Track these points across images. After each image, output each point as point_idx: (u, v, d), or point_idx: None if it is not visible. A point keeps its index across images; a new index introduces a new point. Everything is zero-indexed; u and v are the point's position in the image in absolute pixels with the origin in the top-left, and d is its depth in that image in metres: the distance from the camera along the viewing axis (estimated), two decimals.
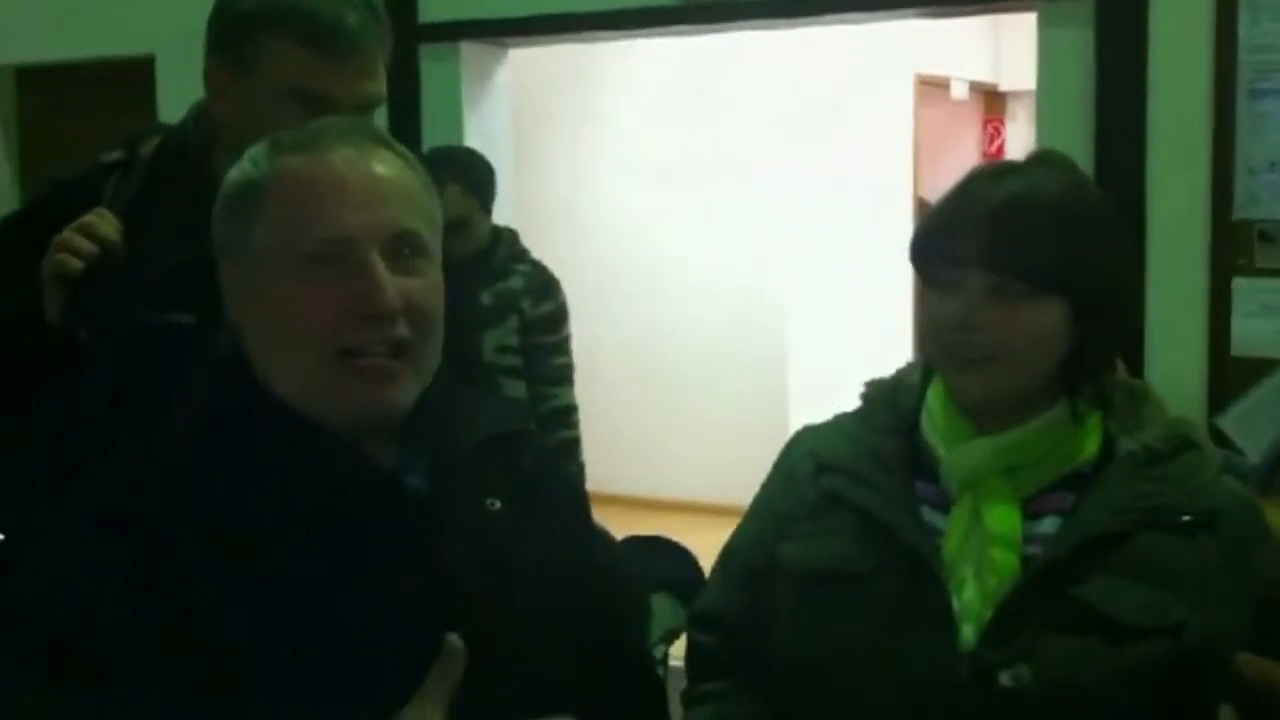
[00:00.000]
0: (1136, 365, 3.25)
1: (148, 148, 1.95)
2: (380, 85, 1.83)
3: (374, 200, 1.25)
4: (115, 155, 1.97)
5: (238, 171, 1.29)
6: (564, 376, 3.78)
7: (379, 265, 1.23)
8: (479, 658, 1.22)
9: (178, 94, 2.01)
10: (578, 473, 3.77)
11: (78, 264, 1.75)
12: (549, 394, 3.73)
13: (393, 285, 1.23)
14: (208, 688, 1.14)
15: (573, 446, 3.77)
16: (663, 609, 3.22)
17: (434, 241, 1.30)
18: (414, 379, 1.26)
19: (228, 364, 1.29)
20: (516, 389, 3.67)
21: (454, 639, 1.15)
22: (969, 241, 1.40)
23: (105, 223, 1.79)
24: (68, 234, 1.77)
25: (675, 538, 3.17)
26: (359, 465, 1.25)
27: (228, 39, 1.81)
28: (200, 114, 1.92)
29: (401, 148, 1.32)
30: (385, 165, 1.27)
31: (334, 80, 1.76)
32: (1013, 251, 1.39)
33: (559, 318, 3.78)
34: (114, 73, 4.81)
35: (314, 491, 1.21)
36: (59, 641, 1.14)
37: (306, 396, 1.24)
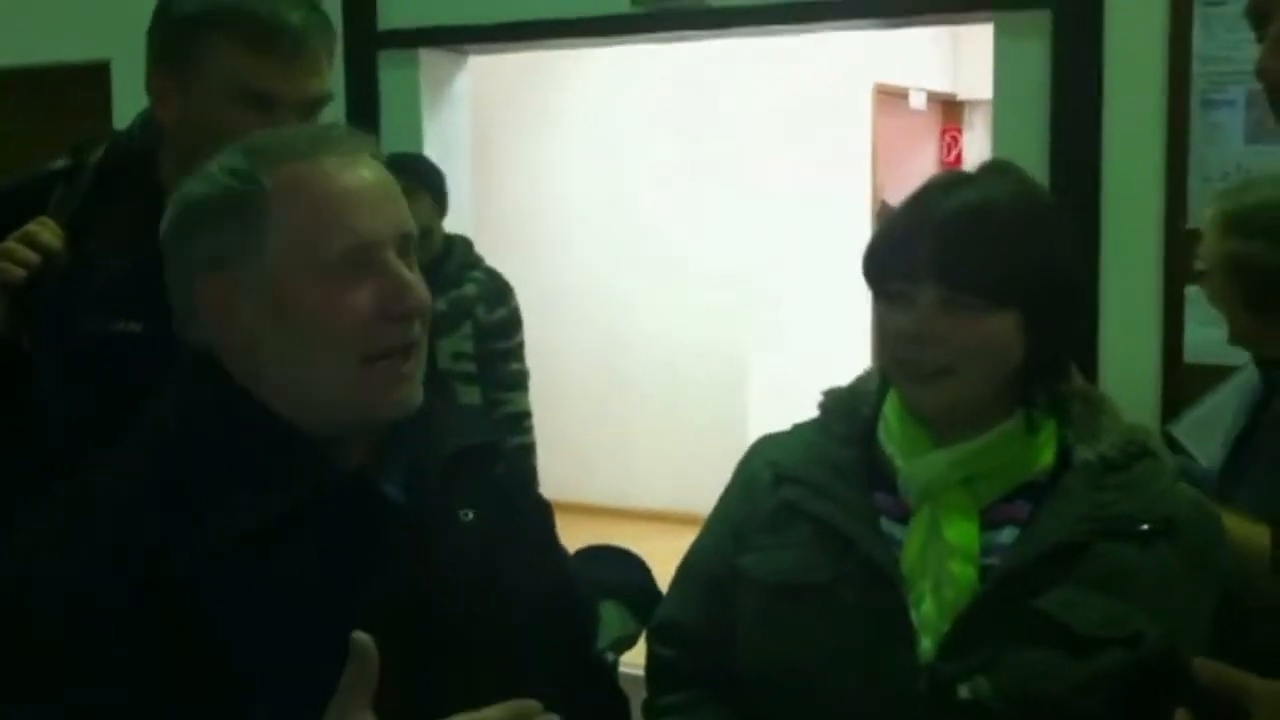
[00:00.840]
0: (1090, 372, 3.28)
1: (95, 156, 1.94)
2: (326, 83, 1.82)
3: (381, 203, 1.28)
4: (61, 163, 1.95)
5: (209, 184, 1.27)
6: (518, 382, 3.78)
7: (402, 265, 1.26)
8: (454, 666, 1.24)
9: (133, 99, 2.01)
10: (532, 478, 3.77)
11: (20, 273, 1.75)
12: (503, 399, 3.73)
13: (417, 282, 1.27)
14: (192, 689, 1.14)
15: (527, 452, 3.77)
16: (611, 617, 3.21)
17: None
18: (421, 377, 1.30)
19: (204, 371, 1.28)
20: (471, 395, 3.67)
21: (362, 637, 1.13)
22: (921, 254, 1.39)
23: (47, 230, 1.78)
24: (9, 243, 1.76)
25: (635, 546, 3.17)
26: (339, 471, 1.26)
27: (170, 44, 1.80)
28: (146, 121, 1.91)
29: (372, 144, 1.34)
30: (375, 169, 1.30)
31: (279, 80, 1.76)
32: (965, 264, 1.38)
33: (513, 324, 3.79)
34: (70, 78, 4.76)
35: (295, 496, 1.22)
36: (46, 641, 1.15)
37: (321, 401, 1.25)
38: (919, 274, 1.39)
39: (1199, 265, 2.26)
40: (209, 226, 1.26)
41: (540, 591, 1.37)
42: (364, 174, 1.27)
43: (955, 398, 1.42)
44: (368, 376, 1.25)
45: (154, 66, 1.83)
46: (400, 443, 1.31)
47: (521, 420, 3.78)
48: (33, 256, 1.76)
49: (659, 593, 2.30)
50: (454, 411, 1.41)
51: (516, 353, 3.79)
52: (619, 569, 3.28)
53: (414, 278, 1.28)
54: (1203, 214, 2.31)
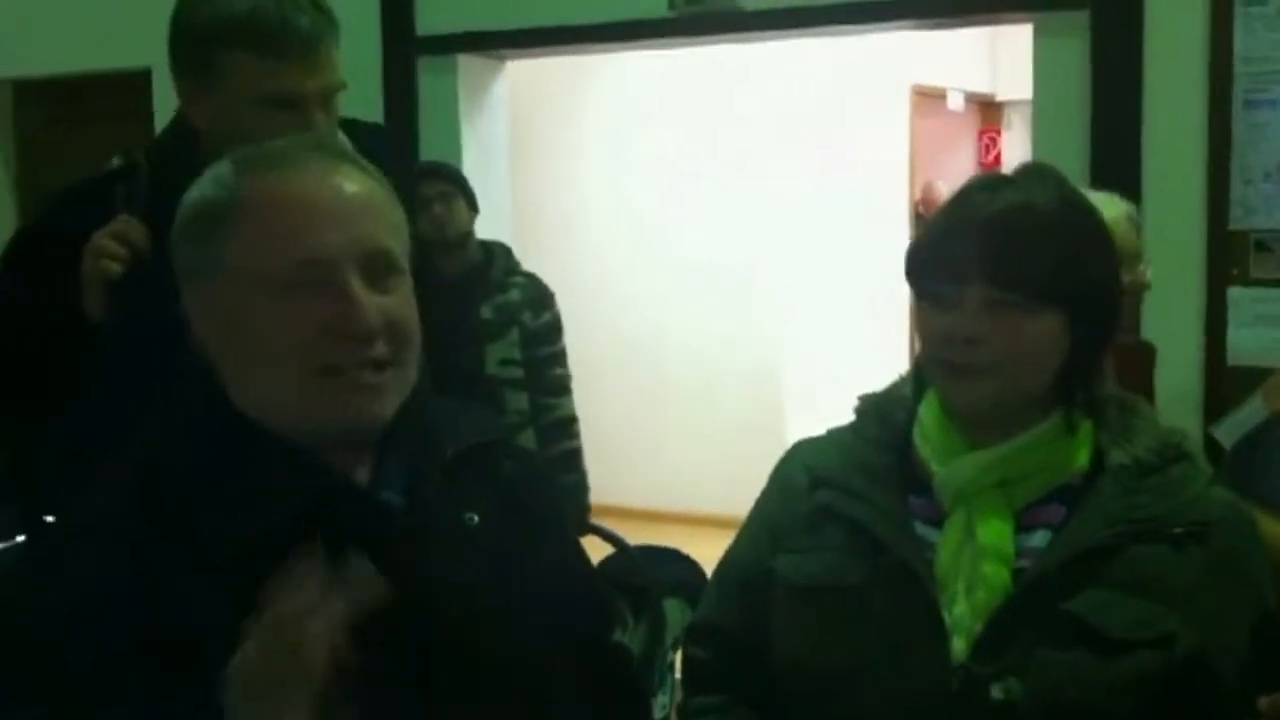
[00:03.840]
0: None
1: (141, 155, 2.06)
2: (337, 73, 1.94)
3: (348, 219, 1.24)
4: (116, 163, 2.08)
5: (197, 191, 1.27)
6: (564, 387, 3.80)
7: (357, 285, 1.22)
8: (458, 672, 1.23)
9: (174, 106, 2.07)
10: (580, 482, 3.78)
11: (117, 268, 1.90)
12: (551, 405, 3.75)
13: (372, 304, 1.22)
14: (191, 705, 1.13)
15: (575, 457, 3.79)
16: (675, 613, 3.24)
17: (404, 256, 1.29)
18: (395, 392, 1.26)
19: (198, 384, 1.28)
20: (519, 401, 3.69)
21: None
22: (968, 255, 1.39)
23: (134, 228, 1.92)
24: (104, 240, 1.91)
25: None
26: (333, 481, 1.24)
27: (190, 58, 1.93)
28: (178, 121, 2.03)
29: (365, 162, 1.31)
30: (354, 182, 1.26)
31: (293, 80, 1.87)
32: (1012, 264, 1.38)
33: (556, 328, 3.81)
34: (112, 86, 4.81)
35: (289, 509, 1.20)
36: (43, 661, 1.14)
37: (286, 414, 1.23)
38: (965, 274, 1.39)
39: None
40: (191, 234, 1.26)
41: (553, 589, 1.35)
42: (336, 187, 1.24)
43: (1000, 398, 1.42)
44: (323, 390, 1.22)
45: (178, 78, 1.95)
46: (396, 449, 1.29)
47: (569, 425, 3.80)
48: (124, 252, 1.91)
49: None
50: (457, 413, 1.39)
51: (560, 358, 3.81)
52: (678, 568, 3.32)
53: (367, 298, 1.22)
54: None
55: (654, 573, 3.27)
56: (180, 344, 1.42)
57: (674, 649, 3.12)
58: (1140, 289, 2.34)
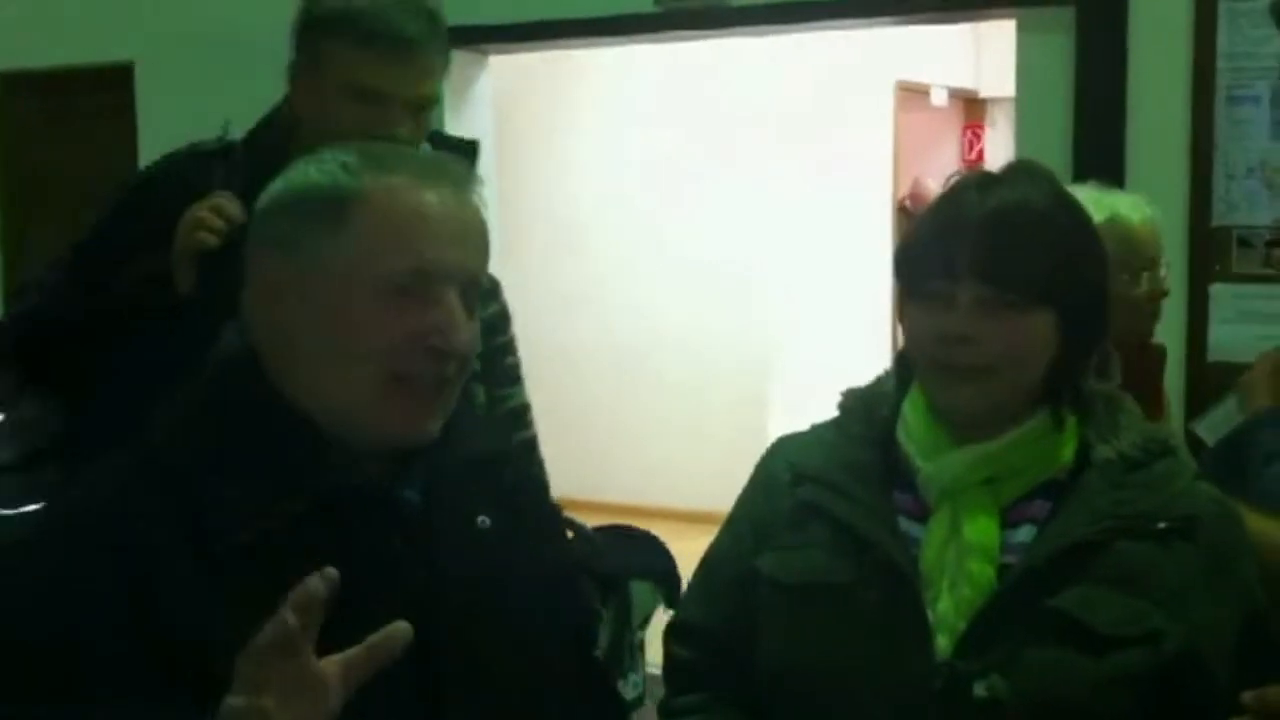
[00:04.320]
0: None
1: (240, 138, 2.16)
2: (433, 89, 2.02)
3: (464, 241, 1.27)
4: (211, 144, 2.16)
5: (318, 171, 1.27)
6: (515, 376, 3.77)
7: (458, 305, 1.25)
8: (463, 672, 1.23)
9: (157, 100, 2.09)
10: (539, 470, 3.78)
11: (214, 239, 1.95)
12: (505, 395, 3.73)
13: (466, 325, 1.26)
14: (191, 703, 1.12)
15: (532, 445, 3.78)
16: (643, 594, 3.25)
17: None
18: (444, 413, 1.29)
19: (237, 364, 1.28)
20: (478, 394, 3.68)
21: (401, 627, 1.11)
22: (962, 254, 1.39)
23: (232, 204, 1.98)
24: (202, 213, 1.97)
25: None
26: (357, 476, 1.25)
27: (301, 43, 2.04)
28: (278, 108, 2.13)
29: (481, 189, 1.33)
30: (472, 209, 1.29)
31: (384, 78, 1.95)
32: (1006, 263, 1.38)
33: (505, 317, 3.78)
34: (94, 79, 4.79)
35: (310, 499, 1.21)
36: (38, 658, 1.13)
37: (340, 410, 1.24)
38: (958, 272, 1.39)
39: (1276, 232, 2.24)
40: (297, 209, 1.26)
41: (548, 597, 1.38)
42: (455, 210, 1.27)
43: (993, 398, 1.42)
44: (393, 397, 1.24)
45: (291, 65, 2.06)
46: (419, 451, 1.30)
47: (523, 415, 3.79)
48: (222, 225, 1.96)
49: (679, 578, 2.33)
50: (469, 417, 1.41)
51: (510, 347, 3.78)
52: (644, 551, 3.32)
53: (465, 322, 1.26)
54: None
55: (620, 556, 3.27)
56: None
57: (642, 628, 3.13)
58: (1160, 295, 2.33)
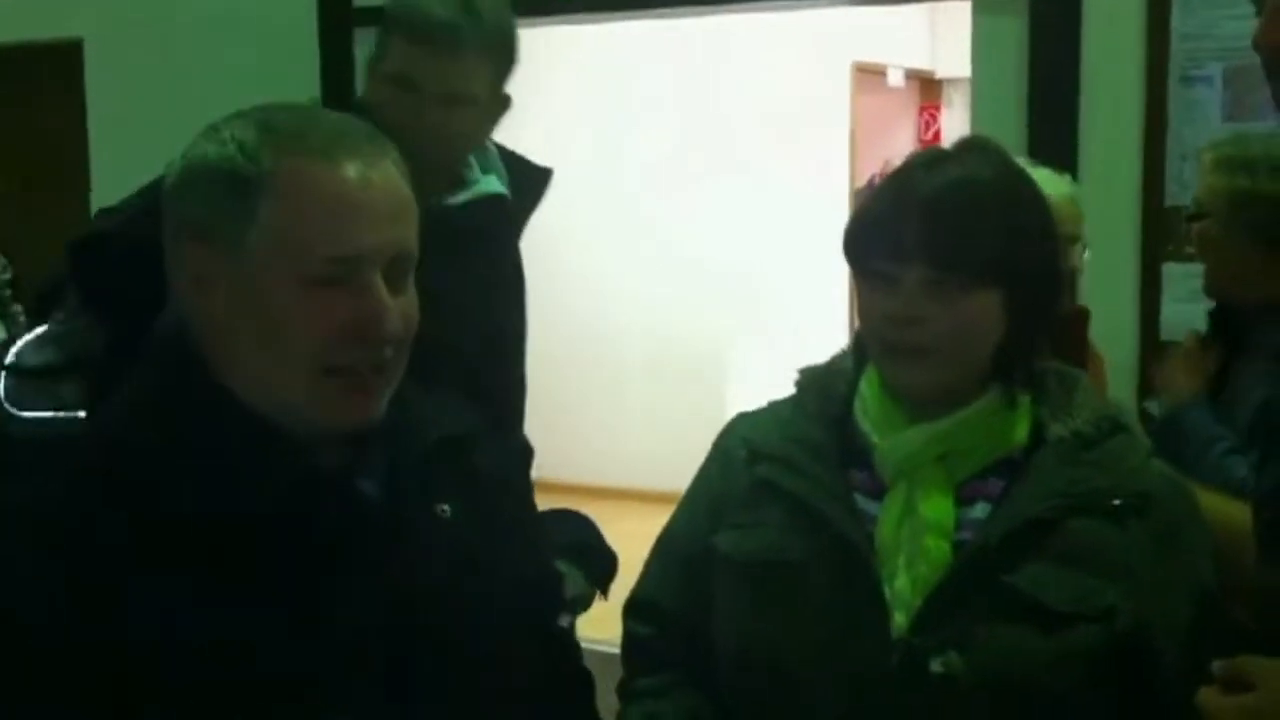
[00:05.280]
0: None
1: None
2: (470, 86, 2.03)
3: (383, 220, 1.20)
4: None
5: (217, 146, 1.20)
6: None
7: (383, 289, 1.20)
8: (432, 663, 1.22)
9: (106, 78, 2.04)
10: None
11: None
12: None
13: (395, 310, 1.21)
14: (143, 704, 1.11)
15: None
16: (575, 579, 3.21)
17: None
18: (388, 393, 1.25)
19: (176, 355, 1.24)
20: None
21: None
22: (907, 234, 1.38)
23: None
24: None
25: (619, 524, 3.15)
26: (311, 469, 1.22)
27: (378, 36, 2.09)
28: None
29: (396, 153, 1.26)
30: (392, 180, 1.22)
31: (419, 66, 1.98)
32: (952, 243, 1.38)
33: None
34: (42, 56, 4.72)
35: (265, 495, 1.18)
36: None
37: (279, 402, 1.20)
38: (905, 254, 1.38)
39: (1195, 208, 2.27)
40: (204, 190, 1.19)
41: (517, 578, 1.36)
42: (374, 184, 1.20)
43: (939, 377, 1.42)
44: (327, 388, 1.20)
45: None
46: (377, 439, 1.26)
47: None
48: None
49: (609, 550, 2.30)
50: (430, 402, 1.37)
51: None
52: (569, 529, 3.28)
53: (394, 303, 1.21)
54: (1201, 158, 2.31)
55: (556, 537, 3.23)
56: None
57: (570, 612, 3.09)
58: (1074, 273, 2.34)
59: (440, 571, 1.27)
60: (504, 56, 2.09)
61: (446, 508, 1.30)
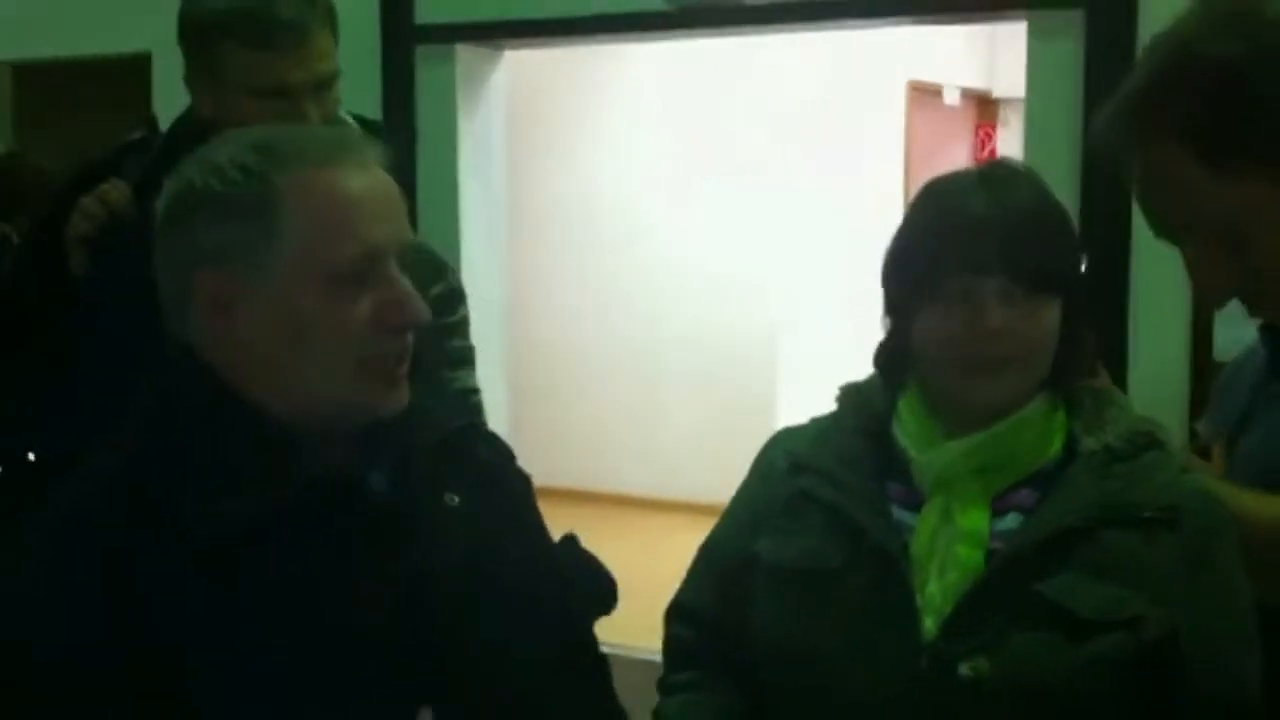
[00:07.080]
0: (1119, 370, 3.28)
1: (158, 129, 2.22)
2: (331, 63, 2.02)
3: (389, 213, 1.28)
4: (138, 134, 2.24)
5: (216, 176, 1.25)
6: (463, 359, 3.72)
7: (404, 277, 1.27)
8: (450, 654, 1.25)
9: (174, 91, 2.12)
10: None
11: (86, 226, 2.04)
12: (450, 377, 3.70)
13: (416, 296, 1.27)
14: (176, 706, 1.14)
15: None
16: None
17: None
18: (408, 380, 1.30)
19: (187, 369, 1.27)
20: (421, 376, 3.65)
21: None
22: (988, 249, 1.43)
23: (116, 190, 2.06)
24: (85, 200, 2.05)
25: (665, 538, 3.14)
26: (324, 467, 1.25)
27: (190, 51, 2.04)
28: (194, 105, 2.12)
29: (379, 152, 1.32)
30: (383, 177, 1.29)
31: (283, 71, 1.95)
32: (1031, 257, 1.44)
33: (454, 299, 3.74)
34: (111, 70, 4.82)
35: (280, 494, 1.21)
36: (20, 669, 1.14)
37: (316, 403, 1.25)
38: (988, 268, 1.43)
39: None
40: (214, 219, 1.24)
41: (526, 567, 1.38)
42: (374, 182, 1.28)
43: (1016, 388, 1.47)
44: (362, 380, 1.25)
45: (185, 69, 2.06)
46: (383, 434, 1.30)
47: (466, 398, 3.76)
48: (101, 211, 2.04)
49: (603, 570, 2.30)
50: (433, 398, 1.42)
51: (458, 328, 3.74)
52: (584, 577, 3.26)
53: (413, 290, 1.28)
54: None
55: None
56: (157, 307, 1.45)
57: None
58: None
59: (453, 558, 1.30)
60: (332, 17, 2.06)
61: (455, 497, 1.34)
